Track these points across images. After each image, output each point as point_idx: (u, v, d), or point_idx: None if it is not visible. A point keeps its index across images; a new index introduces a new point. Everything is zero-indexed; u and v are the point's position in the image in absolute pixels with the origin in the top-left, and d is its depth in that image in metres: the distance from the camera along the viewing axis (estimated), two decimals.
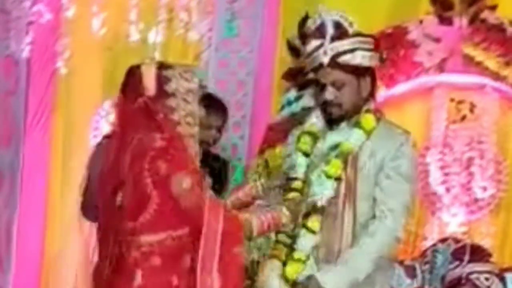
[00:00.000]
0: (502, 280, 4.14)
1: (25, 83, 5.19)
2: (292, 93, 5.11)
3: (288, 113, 5.08)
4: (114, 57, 5.14)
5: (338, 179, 3.27)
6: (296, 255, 3.25)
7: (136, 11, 5.28)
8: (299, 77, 5.05)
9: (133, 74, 3.10)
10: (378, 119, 3.36)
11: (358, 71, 3.30)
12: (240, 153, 5.12)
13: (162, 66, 3.10)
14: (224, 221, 2.98)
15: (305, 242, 3.25)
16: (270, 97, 5.29)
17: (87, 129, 5.17)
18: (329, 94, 3.28)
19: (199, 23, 5.29)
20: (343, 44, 3.28)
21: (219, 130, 4.60)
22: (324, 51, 3.28)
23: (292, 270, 3.25)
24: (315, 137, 3.37)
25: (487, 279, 3.92)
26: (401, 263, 4.34)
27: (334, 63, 3.27)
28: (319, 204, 3.26)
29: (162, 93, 3.05)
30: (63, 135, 5.22)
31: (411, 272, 4.25)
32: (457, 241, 4.34)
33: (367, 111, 3.36)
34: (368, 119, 3.34)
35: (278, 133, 4.92)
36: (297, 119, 4.62)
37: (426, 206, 5.19)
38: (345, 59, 3.28)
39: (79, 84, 5.27)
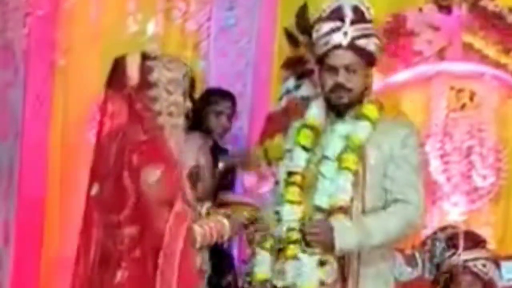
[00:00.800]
0: (498, 267, 4.12)
1: (23, 75, 5.16)
2: (291, 82, 5.09)
3: (285, 101, 5.06)
4: (113, 49, 5.11)
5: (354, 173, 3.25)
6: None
7: (134, 1, 5.26)
8: (298, 66, 5.04)
9: (118, 65, 3.09)
10: (380, 110, 3.34)
11: (368, 58, 3.30)
12: (239, 144, 5.10)
13: (146, 57, 3.08)
14: (186, 236, 2.95)
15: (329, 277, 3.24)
16: (269, 87, 5.28)
17: (85, 120, 5.15)
18: (342, 77, 3.26)
19: (197, 12, 5.28)
20: (363, 28, 3.27)
21: (229, 118, 4.62)
22: (344, 32, 3.25)
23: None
24: (316, 130, 3.35)
25: (484, 265, 3.91)
26: (401, 251, 4.33)
27: (352, 45, 3.25)
28: (344, 205, 3.26)
29: (144, 83, 3.03)
30: (61, 127, 5.19)
31: (411, 260, 4.23)
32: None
33: (370, 101, 3.34)
34: (372, 110, 3.32)
35: (277, 123, 4.90)
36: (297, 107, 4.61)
37: (427, 195, 5.16)
38: (361, 43, 3.27)
39: (77, 76, 5.25)
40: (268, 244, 3.33)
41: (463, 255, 3.88)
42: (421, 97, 5.19)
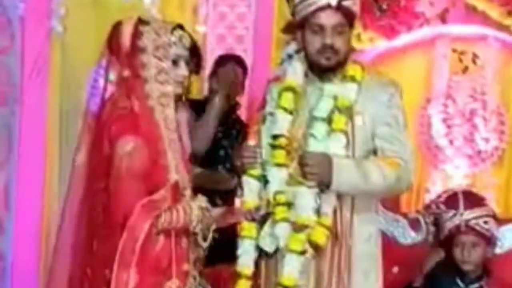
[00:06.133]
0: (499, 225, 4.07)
1: (20, 42, 5.10)
2: (292, 47, 5.05)
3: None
4: (111, 14, 5.06)
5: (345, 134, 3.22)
6: (323, 220, 3.20)
7: None
8: None
9: (115, 30, 3.03)
10: (362, 71, 3.32)
11: (352, 20, 3.28)
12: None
13: (140, 22, 3.00)
14: (152, 223, 2.87)
15: (328, 206, 3.21)
16: (269, 51, 5.23)
17: (83, 87, 5.10)
18: (329, 38, 3.23)
19: None
20: None
21: (243, 86, 4.57)
22: None
23: (320, 235, 3.20)
24: (296, 92, 3.31)
25: (486, 222, 3.88)
26: (405, 216, 4.31)
27: (340, 6, 3.23)
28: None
29: (134, 48, 2.96)
30: (59, 93, 5.15)
31: (415, 224, 4.21)
32: None
33: (353, 63, 3.32)
34: (356, 71, 3.30)
35: None
36: None
37: (429, 159, 5.17)
38: (348, 3, 3.25)
39: (75, 43, 5.19)
40: (255, 172, 3.30)
41: (465, 215, 3.86)
42: (423, 60, 5.16)
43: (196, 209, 2.98)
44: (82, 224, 2.98)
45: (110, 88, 3.02)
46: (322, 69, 3.27)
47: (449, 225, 3.88)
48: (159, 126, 2.96)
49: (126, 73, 2.97)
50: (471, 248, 3.83)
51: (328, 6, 3.22)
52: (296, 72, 3.33)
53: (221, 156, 4.56)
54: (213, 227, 3.06)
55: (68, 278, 2.99)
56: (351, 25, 3.29)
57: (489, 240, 3.85)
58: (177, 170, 2.98)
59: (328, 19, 3.23)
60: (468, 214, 3.84)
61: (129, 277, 2.85)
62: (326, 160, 3.16)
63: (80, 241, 2.98)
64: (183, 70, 3.03)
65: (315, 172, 3.16)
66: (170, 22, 3.09)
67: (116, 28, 3.03)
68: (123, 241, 2.85)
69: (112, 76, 3.02)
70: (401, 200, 4.52)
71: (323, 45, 3.23)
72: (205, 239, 3.03)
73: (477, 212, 3.86)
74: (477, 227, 3.83)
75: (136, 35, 2.96)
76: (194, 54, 4.27)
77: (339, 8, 3.23)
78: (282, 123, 3.27)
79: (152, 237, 2.88)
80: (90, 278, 2.95)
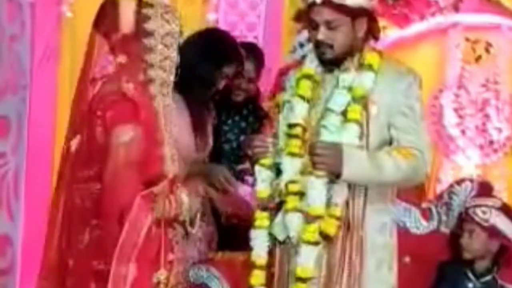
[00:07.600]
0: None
1: (30, 28, 5.08)
2: (304, 35, 5.03)
3: (300, 56, 4.98)
4: None
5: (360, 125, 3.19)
6: (333, 211, 3.17)
7: None
8: None
9: (109, 9, 2.95)
10: (380, 58, 3.28)
11: (353, 12, 3.20)
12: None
13: (142, 4, 2.95)
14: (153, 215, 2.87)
15: (340, 197, 3.18)
16: (281, 39, 5.21)
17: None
18: (321, 34, 3.19)
19: None
20: None
21: (251, 80, 4.50)
22: None
23: (330, 226, 3.17)
24: (313, 80, 3.29)
25: (484, 212, 3.88)
26: (417, 205, 4.29)
27: (327, 2, 3.16)
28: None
29: (140, 31, 2.90)
30: (69, 80, 5.13)
31: (427, 214, 4.19)
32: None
33: (372, 50, 3.28)
34: (374, 59, 3.26)
35: None
36: None
37: (441, 149, 5.14)
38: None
39: (84, 28, 5.14)
40: (267, 161, 3.28)
41: (467, 203, 3.90)
42: (436, 49, 5.14)
43: (186, 198, 2.95)
44: (67, 212, 2.94)
45: (96, 70, 2.97)
46: (323, 61, 3.25)
47: (456, 214, 3.92)
48: (158, 114, 2.92)
49: (121, 56, 2.91)
50: (468, 236, 3.85)
51: (314, 3, 3.19)
52: (314, 60, 3.30)
53: (226, 151, 4.43)
54: (200, 212, 3.05)
55: (50, 266, 2.96)
56: (356, 16, 3.21)
57: (491, 232, 3.84)
58: (173, 160, 2.95)
59: (319, 15, 3.19)
60: (470, 202, 3.87)
61: (128, 271, 2.82)
62: (337, 150, 3.13)
63: (64, 231, 2.94)
64: (178, 58, 2.98)
65: (324, 162, 3.13)
66: (171, 8, 3.02)
67: (110, 8, 2.94)
68: (124, 235, 2.81)
69: (98, 57, 2.96)
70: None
71: (316, 41, 3.22)
72: (192, 224, 3.00)
73: (478, 201, 3.90)
74: (473, 215, 3.85)
75: (141, 17, 2.90)
76: (237, 55, 4.08)
77: (326, 4, 3.17)
78: (299, 111, 3.24)
79: (151, 230, 2.86)
80: (72, 270, 2.90)
